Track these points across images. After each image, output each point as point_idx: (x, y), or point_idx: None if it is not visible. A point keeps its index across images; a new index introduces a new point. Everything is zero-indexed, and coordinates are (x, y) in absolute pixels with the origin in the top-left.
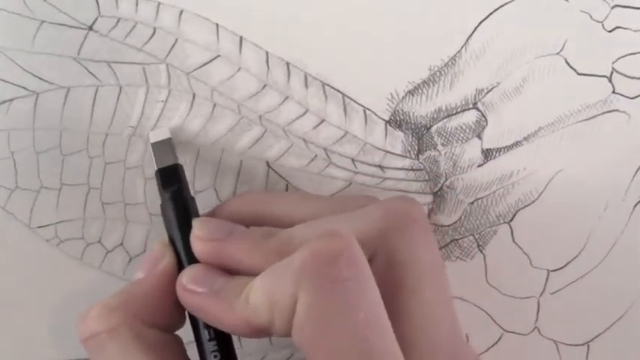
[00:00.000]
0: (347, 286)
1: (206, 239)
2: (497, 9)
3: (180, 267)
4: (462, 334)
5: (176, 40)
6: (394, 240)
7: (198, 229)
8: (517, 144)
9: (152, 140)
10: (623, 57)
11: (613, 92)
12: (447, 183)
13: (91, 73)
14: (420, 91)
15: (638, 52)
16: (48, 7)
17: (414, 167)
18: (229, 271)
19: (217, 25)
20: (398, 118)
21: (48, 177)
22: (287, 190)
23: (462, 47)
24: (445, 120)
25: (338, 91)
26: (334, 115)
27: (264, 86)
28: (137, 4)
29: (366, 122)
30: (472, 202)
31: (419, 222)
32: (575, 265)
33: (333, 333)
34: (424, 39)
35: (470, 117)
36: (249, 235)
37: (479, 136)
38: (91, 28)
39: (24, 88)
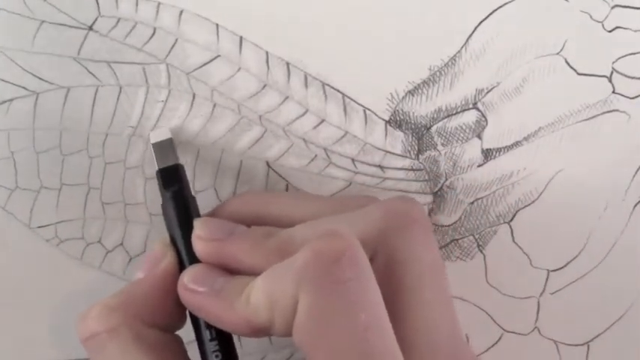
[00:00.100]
0: (348, 286)
1: (207, 239)
2: (497, 9)
3: (181, 267)
4: (461, 335)
5: (176, 40)
6: (394, 240)
7: (200, 229)
8: (517, 144)
9: (153, 140)
10: (623, 57)
11: (613, 92)
12: (447, 183)
13: (91, 73)
14: (420, 91)
15: (638, 52)
16: (48, 7)
17: (414, 167)
18: (230, 270)
19: (217, 25)
20: (398, 118)
21: (48, 177)
22: (287, 190)
23: (462, 47)
24: (445, 120)
25: (338, 91)
26: (334, 115)
27: (264, 86)
28: (137, 4)
29: (366, 122)
30: (472, 202)
31: (419, 222)
32: (575, 265)
33: (334, 334)
34: (424, 39)
35: (470, 117)
36: (250, 235)
37: (479, 136)
38: (91, 28)
39: (24, 88)
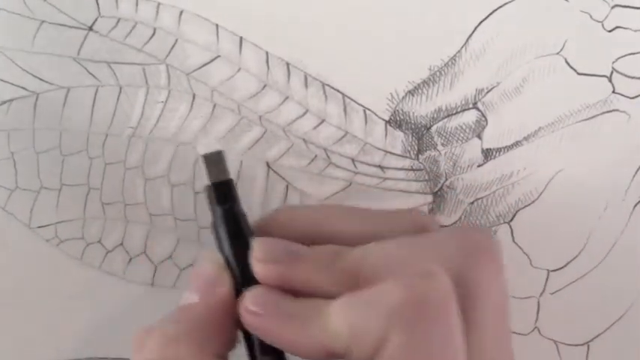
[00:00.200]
0: (440, 328)
1: (269, 261)
2: (497, 9)
3: (236, 288)
4: None
5: (176, 40)
6: (468, 273)
7: (260, 252)
8: (517, 144)
9: (202, 152)
10: (623, 57)
11: (613, 92)
12: (447, 183)
13: (90, 73)
14: (420, 91)
15: (638, 52)
16: (48, 7)
17: (414, 167)
18: (293, 292)
19: (217, 25)
20: (398, 118)
21: (48, 177)
22: (287, 191)
23: (462, 47)
24: (445, 120)
25: (338, 91)
26: (334, 116)
27: (264, 86)
28: (137, 5)
29: (366, 122)
30: (472, 202)
31: (493, 256)
32: (575, 265)
33: None
34: (424, 39)
35: (470, 117)
36: (316, 256)
37: (479, 136)
38: (91, 28)
39: (24, 88)
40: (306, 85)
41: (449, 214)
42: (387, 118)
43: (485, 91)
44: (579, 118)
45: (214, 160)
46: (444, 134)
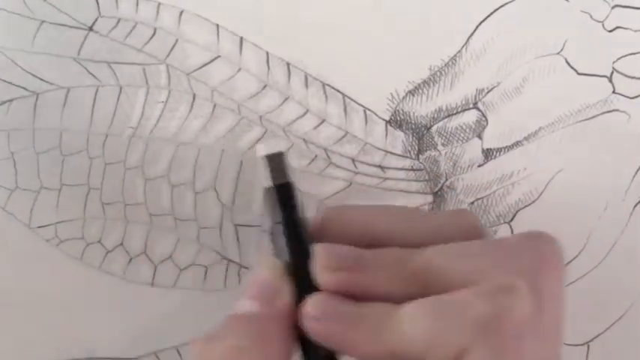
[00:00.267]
0: (522, 346)
1: (334, 269)
2: (497, 9)
3: (297, 294)
4: None
5: (176, 40)
6: (539, 283)
7: (324, 259)
8: (517, 144)
9: (264, 153)
10: (623, 57)
11: (613, 92)
12: (448, 183)
13: (91, 73)
14: (420, 91)
15: (638, 52)
16: (48, 7)
17: (415, 167)
18: (357, 298)
19: (217, 25)
20: (398, 118)
21: (48, 177)
22: None
23: (463, 47)
24: (445, 120)
25: (338, 91)
26: (334, 116)
27: (265, 86)
28: (137, 5)
29: (366, 122)
30: (472, 202)
31: (559, 265)
32: (575, 265)
33: None
34: (424, 39)
35: (470, 117)
36: (382, 260)
37: (479, 136)
38: (91, 28)
39: (24, 88)
40: (306, 85)
41: None
42: (387, 118)
43: (486, 91)
44: (579, 118)
45: (276, 162)
46: (445, 134)
